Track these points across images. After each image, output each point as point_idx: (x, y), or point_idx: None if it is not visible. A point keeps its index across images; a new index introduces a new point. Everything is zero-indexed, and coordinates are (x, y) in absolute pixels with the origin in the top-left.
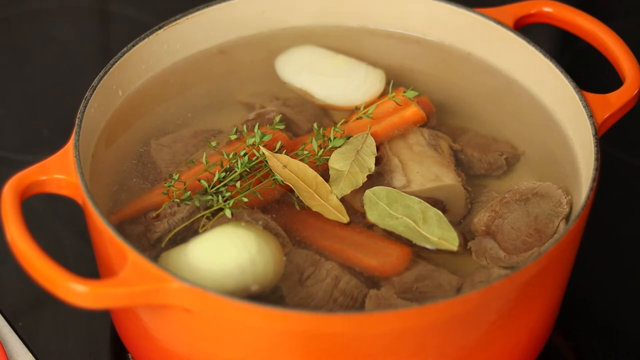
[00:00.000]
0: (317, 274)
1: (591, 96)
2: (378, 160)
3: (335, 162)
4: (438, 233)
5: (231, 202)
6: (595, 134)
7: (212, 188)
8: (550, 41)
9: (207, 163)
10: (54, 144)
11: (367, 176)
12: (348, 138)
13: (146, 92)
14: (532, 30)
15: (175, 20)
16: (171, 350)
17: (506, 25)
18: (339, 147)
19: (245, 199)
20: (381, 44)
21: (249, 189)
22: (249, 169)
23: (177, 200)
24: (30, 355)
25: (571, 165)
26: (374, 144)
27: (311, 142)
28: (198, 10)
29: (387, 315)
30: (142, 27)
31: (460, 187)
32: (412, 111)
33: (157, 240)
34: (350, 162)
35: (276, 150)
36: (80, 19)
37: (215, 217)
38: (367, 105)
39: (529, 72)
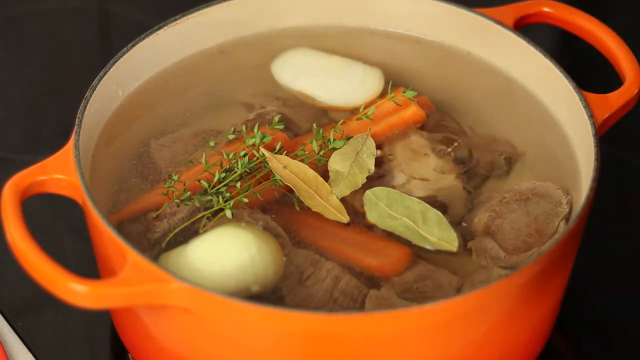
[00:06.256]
0: (317, 274)
1: (591, 96)
2: (378, 161)
3: (335, 163)
4: (438, 234)
5: (231, 202)
6: (595, 134)
7: (212, 188)
8: (550, 41)
9: (206, 163)
10: (54, 144)
11: (366, 177)
12: (348, 139)
13: (146, 92)
14: (532, 30)
15: (175, 20)
16: (171, 350)
17: (506, 25)
18: (339, 148)
19: (246, 200)
20: (381, 44)
21: (248, 189)
22: (249, 169)
23: (177, 200)
24: (30, 355)
25: (571, 165)
26: (374, 145)
27: (311, 143)
28: (198, 10)
29: (387, 315)
30: (142, 27)
31: (460, 187)
32: (412, 111)
33: (157, 241)
34: (350, 163)
35: (276, 150)
36: (80, 19)
37: (215, 218)
38: (367, 105)
39: (529, 72)
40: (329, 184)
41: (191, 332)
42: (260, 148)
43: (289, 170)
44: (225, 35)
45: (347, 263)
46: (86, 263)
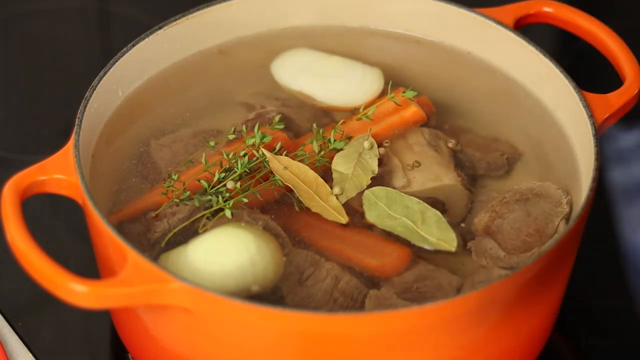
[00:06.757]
0: (317, 274)
1: (591, 96)
2: (378, 162)
3: (338, 164)
4: (437, 234)
5: (231, 202)
6: (595, 134)
7: (212, 188)
8: (550, 41)
9: (206, 163)
10: (54, 144)
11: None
12: (348, 138)
13: (146, 92)
14: (532, 30)
15: (175, 20)
16: (171, 350)
17: (506, 25)
18: (341, 149)
19: (245, 200)
20: (381, 44)
21: (248, 189)
22: (249, 169)
23: (177, 200)
24: (30, 355)
25: (571, 165)
26: (377, 145)
27: (311, 144)
28: (198, 10)
29: (387, 315)
30: (142, 27)
31: (460, 187)
32: (412, 111)
33: (157, 240)
34: (353, 165)
35: (276, 150)
36: (80, 19)
37: (215, 218)
38: (367, 106)
39: (529, 72)
40: (334, 186)
41: (191, 332)
42: (261, 149)
43: (290, 171)
44: (225, 35)
45: (347, 263)
46: (86, 263)
